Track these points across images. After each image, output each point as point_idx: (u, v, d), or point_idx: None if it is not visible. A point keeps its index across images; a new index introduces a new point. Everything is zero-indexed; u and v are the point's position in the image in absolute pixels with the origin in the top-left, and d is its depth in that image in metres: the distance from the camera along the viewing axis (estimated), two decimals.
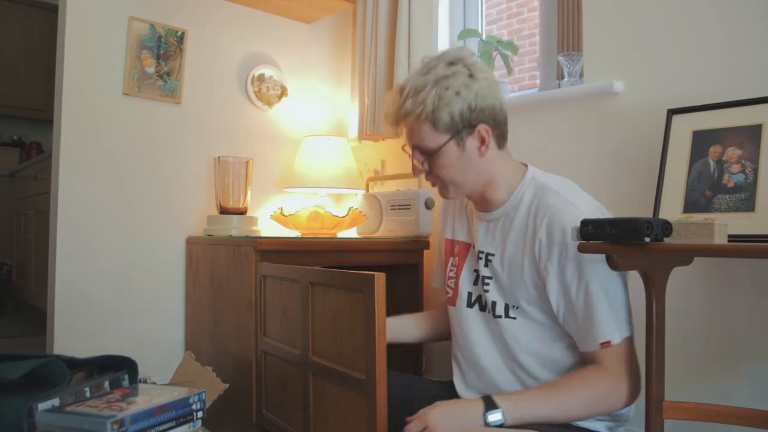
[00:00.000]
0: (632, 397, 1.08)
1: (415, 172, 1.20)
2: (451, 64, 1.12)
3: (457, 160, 1.14)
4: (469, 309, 1.25)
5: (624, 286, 1.12)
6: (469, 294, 1.26)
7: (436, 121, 1.10)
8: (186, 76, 2.12)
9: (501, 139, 1.18)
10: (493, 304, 1.19)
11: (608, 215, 1.14)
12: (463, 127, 1.11)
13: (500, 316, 1.18)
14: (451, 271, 1.31)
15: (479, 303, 1.24)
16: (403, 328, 1.39)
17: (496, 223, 1.20)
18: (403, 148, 1.24)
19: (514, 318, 1.17)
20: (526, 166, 1.22)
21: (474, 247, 1.26)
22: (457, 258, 1.30)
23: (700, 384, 1.42)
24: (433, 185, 1.22)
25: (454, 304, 1.29)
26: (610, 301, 1.06)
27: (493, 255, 1.20)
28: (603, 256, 1.03)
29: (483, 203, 1.22)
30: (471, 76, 1.11)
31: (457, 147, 1.13)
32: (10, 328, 3.25)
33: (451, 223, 1.35)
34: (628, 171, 1.57)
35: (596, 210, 1.12)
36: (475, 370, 1.23)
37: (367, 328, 1.16)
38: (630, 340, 1.08)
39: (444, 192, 1.21)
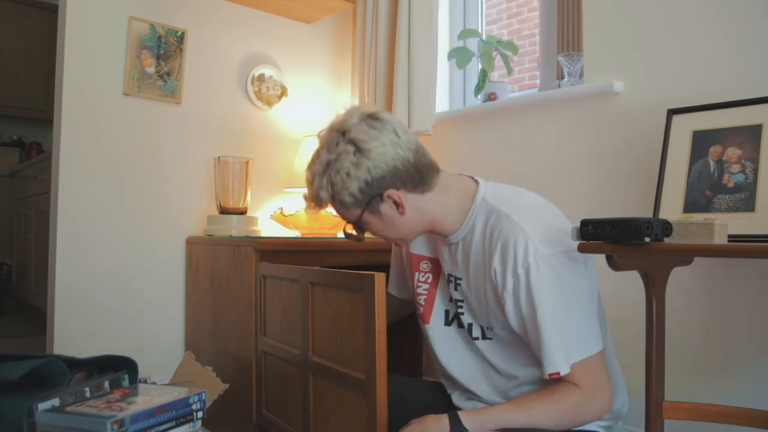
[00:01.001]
0: (602, 411, 1.07)
1: (356, 239, 1.19)
2: (332, 145, 1.09)
3: (382, 224, 1.13)
4: (447, 327, 1.24)
5: (588, 302, 1.10)
6: (446, 312, 1.24)
7: (341, 202, 1.10)
8: (186, 76, 2.12)
9: (420, 185, 1.11)
10: (470, 326, 1.19)
11: (560, 221, 1.11)
12: (370, 199, 1.09)
13: (477, 338, 1.18)
14: (419, 287, 1.28)
15: (457, 321, 1.22)
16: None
17: (456, 246, 1.17)
18: (344, 229, 1.21)
19: (491, 338, 1.16)
20: (477, 182, 1.17)
21: (442, 267, 1.24)
22: (429, 275, 1.27)
23: (700, 384, 1.42)
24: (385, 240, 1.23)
25: (427, 322, 1.26)
26: (561, 329, 1.04)
27: (460, 279, 1.18)
28: (568, 268, 1.04)
29: (438, 233, 1.19)
30: (357, 151, 1.06)
31: (374, 216, 1.12)
32: (10, 328, 3.25)
33: (418, 238, 1.30)
34: (628, 171, 1.57)
35: (543, 226, 1.08)
36: (463, 384, 1.23)
37: (367, 328, 1.16)
38: (595, 356, 1.06)
39: (399, 244, 1.23)
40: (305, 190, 1.16)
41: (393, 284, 1.42)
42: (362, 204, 1.09)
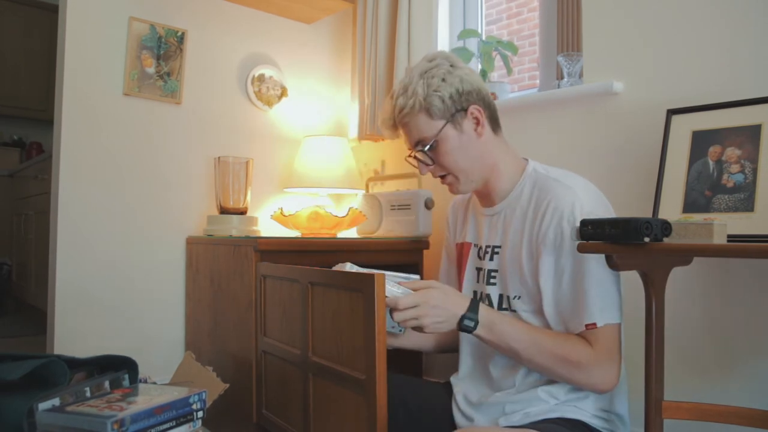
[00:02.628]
0: (604, 383, 1.08)
1: (422, 170, 1.22)
2: (431, 60, 1.19)
3: (458, 143, 1.17)
4: None
5: (617, 278, 1.12)
6: (474, 293, 1.27)
7: (429, 108, 1.15)
8: (186, 77, 2.13)
9: (494, 123, 1.22)
10: (490, 297, 1.22)
11: (608, 204, 1.16)
12: (456, 110, 1.16)
13: (505, 309, 1.19)
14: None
15: (482, 301, 1.24)
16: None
17: (499, 216, 1.22)
18: (406, 159, 1.26)
19: (514, 311, 1.18)
20: (527, 160, 1.25)
21: (477, 244, 1.28)
22: (462, 258, 1.32)
23: (700, 384, 1.42)
24: (443, 181, 1.24)
25: None
26: (602, 287, 1.07)
27: (498, 248, 1.22)
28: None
29: (487, 196, 1.25)
30: (452, 65, 1.17)
31: (454, 130, 1.17)
32: (10, 328, 3.25)
33: (458, 227, 1.37)
34: (628, 171, 1.57)
35: (594, 196, 1.14)
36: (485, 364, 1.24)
37: (367, 328, 1.16)
38: (619, 328, 1.09)
39: (454, 185, 1.22)
40: (385, 111, 1.22)
41: None
42: (448, 114, 1.15)
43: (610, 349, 1.07)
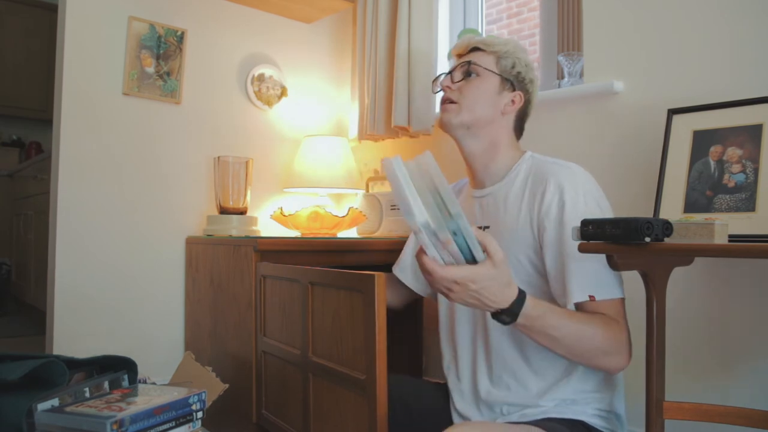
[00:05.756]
0: (629, 357, 1.06)
1: (444, 80, 1.27)
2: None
3: (489, 95, 1.24)
4: None
5: None
6: None
7: (501, 58, 1.25)
8: (186, 76, 2.12)
9: (519, 122, 1.29)
10: None
11: (602, 196, 1.15)
12: (510, 81, 1.25)
13: None
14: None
15: None
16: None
17: (491, 197, 1.23)
18: (443, 77, 1.29)
19: None
20: (526, 152, 1.28)
21: None
22: None
23: (700, 384, 1.42)
24: (446, 105, 1.25)
25: None
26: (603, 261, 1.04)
27: (487, 227, 1.22)
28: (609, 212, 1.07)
29: (480, 174, 1.26)
30: (533, 66, 1.30)
31: (497, 86, 1.24)
32: (10, 328, 3.25)
33: None
34: (629, 171, 1.57)
35: (591, 178, 1.15)
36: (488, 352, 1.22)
37: (367, 328, 1.16)
38: (623, 302, 1.09)
39: (452, 111, 1.24)
40: (469, 38, 1.30)
41: (407, 272, 1.43)
42: (505, 74, 1.25)
43: (625, 319, 1.07)
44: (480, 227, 1.23)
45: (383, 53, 2.15)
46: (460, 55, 1.30)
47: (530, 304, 0.95)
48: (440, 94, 1.28)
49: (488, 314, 1.02)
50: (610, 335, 1.04)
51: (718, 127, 1.28)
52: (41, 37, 4.09)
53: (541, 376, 1.14)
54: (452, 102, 1.24)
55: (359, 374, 1.19)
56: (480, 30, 2.30)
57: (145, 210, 2.04)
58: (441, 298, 1.27)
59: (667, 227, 0.95)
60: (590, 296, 1.05)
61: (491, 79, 1.24)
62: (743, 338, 1.37)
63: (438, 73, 1.31)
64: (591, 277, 1.05)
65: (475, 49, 1.27)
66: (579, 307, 1.07)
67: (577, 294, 1.05)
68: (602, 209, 1.12)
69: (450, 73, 1.28)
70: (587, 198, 1.10)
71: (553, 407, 1.11)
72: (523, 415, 1.12)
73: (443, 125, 1.26)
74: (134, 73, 2.01)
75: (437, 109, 2.16)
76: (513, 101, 1.25)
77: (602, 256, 1.03)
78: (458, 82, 1.25)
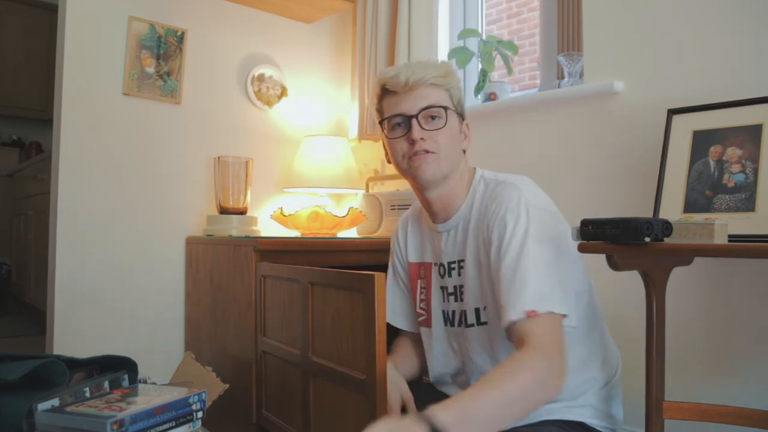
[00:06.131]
0: (564, 375, 0.95)
1: (416, 133, 1.10)
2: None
3: (456, 137, 1.16)
4: (449, 327, 1.22)
5: (568, 267, 1.06)
6: (443, 312, 1.23)
7: (450, 90, 1.15)
8: (186, 76, 2.12)
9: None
10: (463, 314, 1.17)
11: (553, 206, 1.12)
12: (459, 113, 1.17)
13: (472, 325, 1.16)
14: (421, 293, 1.28)
15: (452, 319, 1.21)
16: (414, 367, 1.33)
17: (456, 229, 1.18)
18: (383, 120, 1.17)
19: (485, 323, 1.13)
20: (475, 169, 1.22)
21: (437, 262, 1.23)
22: (425, 280, 1.27)
23: (700, 384, 1.42)
24: (421, 156, 1.11)
25: (430, 326, 1.25)
26: (541, 272, 1.00)
27: (463, 261, 1.17)
28: (555, 228, 1.05)
29: (442, 210, 1.19)
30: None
31: (458, 124, 1.17)
32: (10, 328, 3.25)
33: (411, 246, 1.30)
34: (629, 171, 1.57)
35: (538, 190, 1.12)
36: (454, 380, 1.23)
37: (367, 328, 1.16)
38: (559, 318, 0.99)
39: (434, 163, 1.12)
40: (411, 68, 1.13)
41: (406, 319, 1.34)
42: (458, 108, 1.17)
43: (552, 339, 0.96)
44: (452, 262, 1.19)
45: (383, 53, 2.15)
46: (413, 87, 1.12)
47: (441, 414, 0.84)
48: (402, 143, 1.14)
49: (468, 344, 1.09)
50: (531, 375, 0.92)
51: (717, 127, 1.28)
52: (41, 37, 4.08)
53: None
54: (427, 152, 1.11)
55: (359, 374, 1.19)
56: (480, 30, 2.30)
57: (146, 210, 2.04)
58: (428, 330, 1.26)
59: (666, 227, 0.95)
60: (528, 312, 0.97)
61: (453, 118, 1.14)
62: (743, 338, 1.37)
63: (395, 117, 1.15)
64: (531, 290, 0.98)
65: (424, 84, 1.12)
66: (511, 330, 1.00)
67: (511, 312, 0.98)
68: (548, 218, 1.08)
69: (412, 118, 1.11)
70: (530, 210, 1.06)
71: (550, 409, 1.11)
72: None
73: (426, 181, 1.13)
74: (134, 73, 2.01)
75: None
76: (465, 134, 1.19)
77: (552, 268, 1.00)
78: (430, 130, 1.12)
